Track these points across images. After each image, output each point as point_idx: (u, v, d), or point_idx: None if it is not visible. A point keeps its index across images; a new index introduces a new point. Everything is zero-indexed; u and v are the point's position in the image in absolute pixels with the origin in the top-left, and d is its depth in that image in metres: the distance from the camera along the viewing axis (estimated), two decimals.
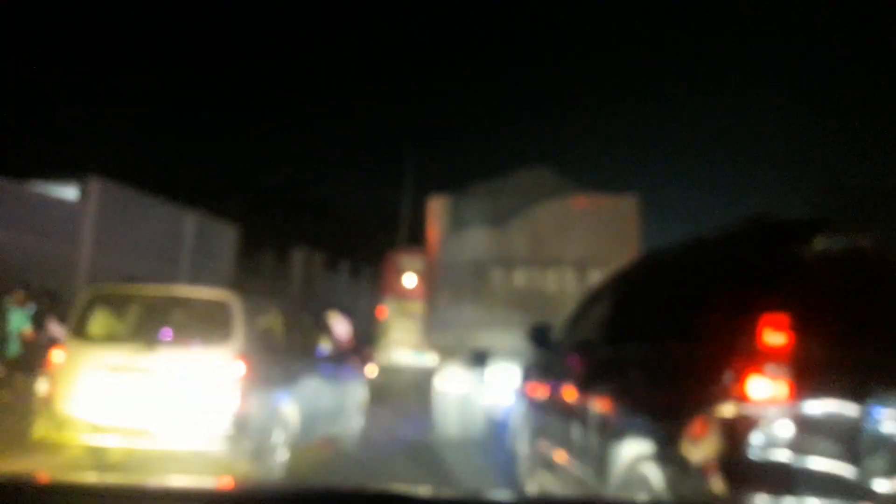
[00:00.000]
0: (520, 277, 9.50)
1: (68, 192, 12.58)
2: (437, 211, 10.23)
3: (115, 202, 12.98)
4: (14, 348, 7.52)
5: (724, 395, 2.69)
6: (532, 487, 5.29)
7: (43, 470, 5.12)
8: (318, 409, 6.64)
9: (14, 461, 5.66)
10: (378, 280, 26.97)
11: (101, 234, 12.55)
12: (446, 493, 2.08)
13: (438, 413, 9.43)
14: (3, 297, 7.79)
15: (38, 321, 7.80)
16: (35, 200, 11.54)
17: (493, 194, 9.91)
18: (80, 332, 5.53)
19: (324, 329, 8.03)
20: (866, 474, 2.52)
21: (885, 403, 2.53)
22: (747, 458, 2.61)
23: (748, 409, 2.62)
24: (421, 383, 11.89)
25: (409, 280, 15.75)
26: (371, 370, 13.03)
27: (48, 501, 1.70)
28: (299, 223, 26.30)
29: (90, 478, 1.99)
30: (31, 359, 7.70)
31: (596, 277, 7.87)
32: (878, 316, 2.78)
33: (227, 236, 17.68)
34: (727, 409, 2.66)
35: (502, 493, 2.88)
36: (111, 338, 5.54)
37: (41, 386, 5.53)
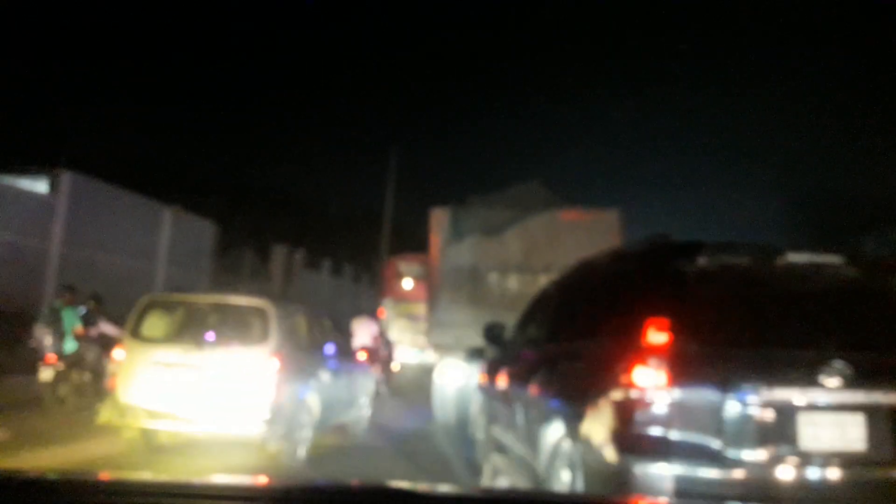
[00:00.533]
0: (513, 282, 10.45)
1: (39, 185, 12.49)
2: (438, 221, 11.17)
3: (87, 196, 12.87)
4: (69, 346, 8.44)
5: (618, 383, 3.38)
6: (487, 469, 5.92)
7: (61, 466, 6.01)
8: (335, 399, 7.60)
9: (81, 444, 6.64)
10: (360, 278, 27.72)
11: (73, 227, 12.47)
12: (446, 488, 2.17)
13: (436, 403, 10.34)
14: (55, 300, 8.69)
15: (87, 320, 8.73)
16: (5, 193, 11.39)
17: (489, 206, 10.86)
18: (136, 333, 6.50)
19: (346, 331, 9.00)
20: (726, 445, 3.18)
21: (742, 390, 3.21)
22: (635, 432, 3.29)
23: (635, 394, 3.30)
24: (421, 377, 12.91)
25: (407, 283, 16.86)
26: (395, 367, 14.10)
27: (55, 497, 1.70)
28: (280, 221, 26.11)
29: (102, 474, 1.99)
30: (83, 355, 8.65)
31: None
32: (743, 320, 3.42)
33: (205, 232, 17.46)
34: (619, 394, 3.37)
35: (502, 490, 3.08)
36: (164, 338, 6.51)
37: (108, 380, 6.48)
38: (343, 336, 8.84)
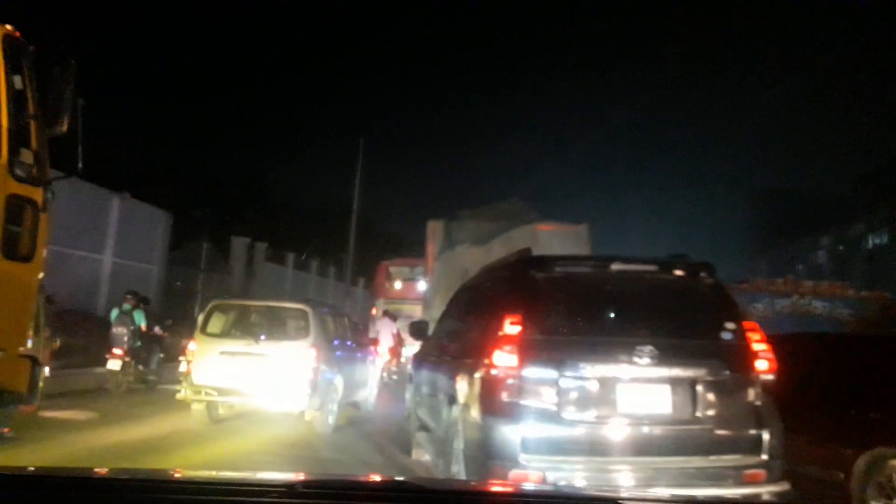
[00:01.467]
0: None
1: None
2: (433, 232, 13.08)
3: None
4: (136, 342, 10.28)
5: (484, 364, 4.30)
6: (414, 444, 6.73)
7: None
8: (352, 382, 9.49)
9: (152, 421, 8.45)
10: (327, 272, 27.83)
11: None
12: (450, 484, 2.32)
13: (407, 389, 12.19)
14: (124, 303, 10.49)
15: (148, 321, 10.61)
16: None
17: (477, 219, 12.78)
18: (205, 330, 8.35)
19: (366, 328, 10.80)
20: (562, 409, 4.11)
21: (575, 367, 4.13)
22: (494, 400, 4.19)
23: (494, 372, 4.23)
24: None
25: (397, 285, 18.90)
26: (403, 358, 16.05)
27: (43, 492, 1.70)
28: (243, 213, 25.54)
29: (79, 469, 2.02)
30: (145, 350, 10.51)
31: None
32: (578, 314, 4.44)
33: (158, 222, 16.90)
34: (484, 372, 4.32)
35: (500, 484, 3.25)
36: (227, 333, 8.37)
37: (181, 367, 8.33)
38: (356, 330, 10.72)
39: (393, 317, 15.54)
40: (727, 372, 4.27)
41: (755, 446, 4.20)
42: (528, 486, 2.72)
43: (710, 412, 4.21)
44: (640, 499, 2.07)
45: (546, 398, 4.14)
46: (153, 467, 5.72)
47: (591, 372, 4.18)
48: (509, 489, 2.58)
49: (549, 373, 4.16)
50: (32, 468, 1.97)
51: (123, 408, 9.18)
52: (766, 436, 4.21)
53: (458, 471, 4.62)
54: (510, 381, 4.18)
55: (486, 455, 4.21)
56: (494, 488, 2.41)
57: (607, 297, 4.52)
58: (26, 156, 4.00)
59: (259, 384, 7.95)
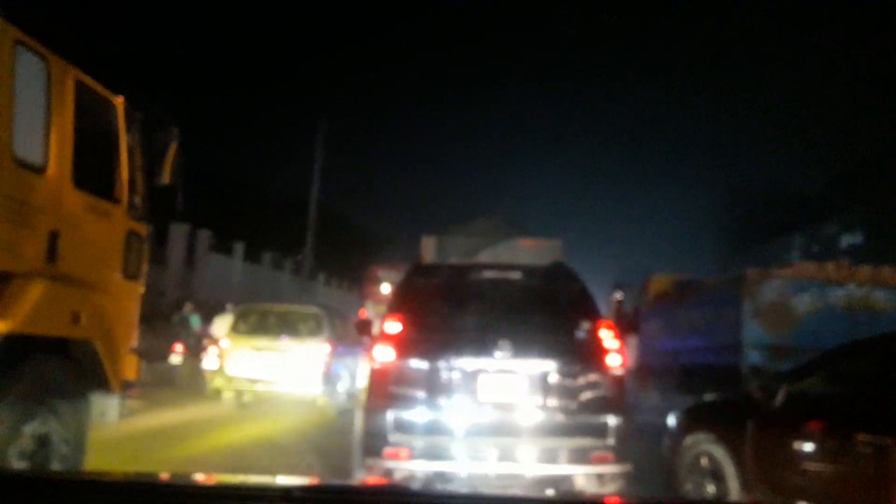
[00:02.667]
0: None
1: None
2: (427, 246, 14.83)
3: None
4: (193, 342, 12.06)
5: (371, 358, 4.88)
6: None
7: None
8: (353, 374, 11.18)
9: (196, 407, 10.12)
10: (283, 265, 25.03)
11: None
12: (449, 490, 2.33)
13: None
14: (184, 308, 12.36)
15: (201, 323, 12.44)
16: None
17: (466, 235, 14.55)
18: (235, 329, 10.06)
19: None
20: (431, 396, 4.57)
21: (441, 360, 4.63)
22: (375, 388, 4.72)
23: (374, 365, 4.78)
24: None
25: (385, 288, 20.54)
26: None
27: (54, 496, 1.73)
28: (186, 199, 23.74)
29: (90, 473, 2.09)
30: (200, 349, 12.24)
31: None
32: (447, 315, 4.98)
33: None
34: (371, 364, 4.87)
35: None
36: (255, 332, 10.09)
37: (211, 364, 10.05)
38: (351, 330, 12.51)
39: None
40: (578, 366, 4.69)
41: (602, 431, 4.59)
42: (533, 496, 2.78)
43: (561, 401, 4.61)
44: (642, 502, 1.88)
45: (416, 387, 4.64)
46: (194, 449, 6.81)
47: (457, 365, 4.66)
48: (513, 498, 2.52)
49: (421, 365, 4.68)
50: (28, 472, 2.10)
51: (174, 396, 10.82)
52: (612, 422, 4.60)
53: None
54: (387, 372, 4.71)
55: (367, 433, 4.69)
56: (495, 498, 2.41)
57: (478, 300, 5.10)
58: (137, 200, 5.24)
59: (281, 374, 9.65)
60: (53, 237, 4.36)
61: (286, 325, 10.03)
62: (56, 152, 4.39)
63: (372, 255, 23.71)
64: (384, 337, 4.78)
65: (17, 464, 4.03)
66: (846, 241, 46.57)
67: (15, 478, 1.99)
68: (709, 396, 7.27)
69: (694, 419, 5.34)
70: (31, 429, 4.17)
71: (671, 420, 5.54)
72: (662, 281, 12.62)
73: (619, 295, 12.65)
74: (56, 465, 4.38)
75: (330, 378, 9.81)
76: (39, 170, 4.26)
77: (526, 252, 13.99)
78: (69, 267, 4.50)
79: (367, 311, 19.80)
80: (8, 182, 3.97)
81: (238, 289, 19.49)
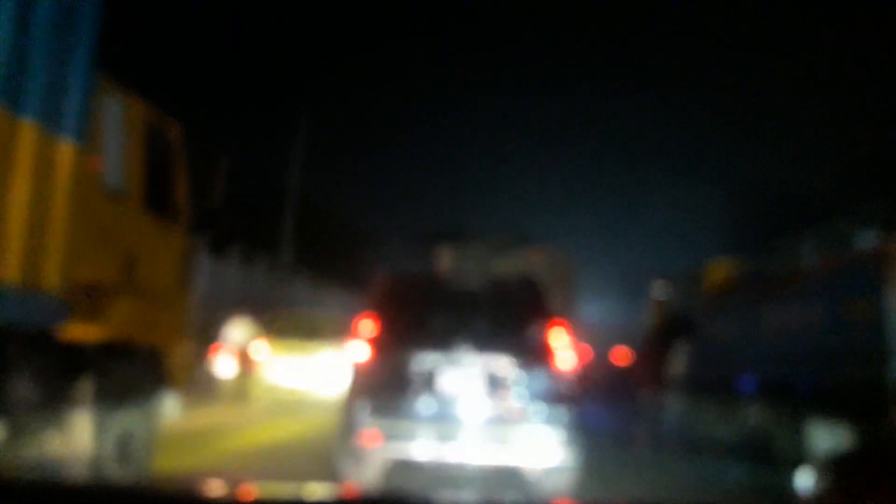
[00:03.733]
0: None
1: None
2: (443, 255, 15.83)
3: None
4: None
5: (352, 353, 5.57)
6: None
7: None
8: None
9: (238, 408, 11.12)
10: (252, 259, 23.14)
11: None
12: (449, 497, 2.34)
13: None
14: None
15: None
16: None
17: (478, 246, 15.48)
18: (268, 337, 11.11)
19: None
20: (401, 387, 5.26)
21: (410, 356, 5.31)
22: (354, 380, 5.46)
23: (353, 359, 5.51)
24: None
25: None
26: None
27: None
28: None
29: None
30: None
31: None
32: (417, 317, 5.69)
33: None
34: (352, 359, 5.55)
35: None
36: (287, 339, 11.12)
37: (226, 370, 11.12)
38: None
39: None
40: (527, 361, 5.41)
41: (548, 418, 5.28)
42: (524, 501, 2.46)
43: (512, 391, 5.35)
44: None
45: (388, 379, 5.40)
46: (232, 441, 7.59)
47: (423, 360, 5.39)
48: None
49: (392, 360, 5.43)
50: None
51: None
52: (556, 411, 5.31)
53: None
54: (362, 366, 5.49)
55: (347, 418, 5.43)
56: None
57: (445, 305, 5.83)
58: (190, 219, 5.98)
59: (310, 379, 10.70)
60: (129, 254, 5.04)
61: (316, 331, 11.07)
62: (134, 180, 5.06)
63: (362, 254, 23.19)
64: (360, 335, 5.54)
65: (106, 459, 4.62)
66: (859, 238, 46.18)
67: (11, 485, 2.00)
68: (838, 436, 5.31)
69: (854, 483, 4.11)
70: (118, 425, 4.77)
71: (804, 478, 4.92)
72: (726, 268, 9.62)
73: (661, 294, 11.19)
74: (134, 460, 5.00)
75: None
76: (122, 196, 4.96)
77: (533, 262, 14.89)
78: (141, 279, 5.14)
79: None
80: (99, 210, 4.62)
81: (238, 293, 18.19)
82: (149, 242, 5.39)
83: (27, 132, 3.62)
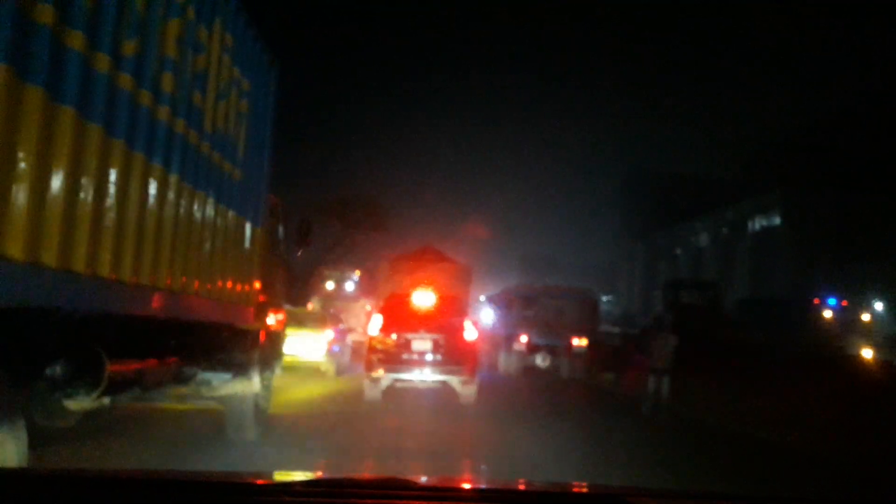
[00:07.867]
0: None
1: None
2: (383, 267, 21.96)
3: None
4: None
5: (371, 330, 11.99)
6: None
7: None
8: (345, 350, 18.23)
9: None
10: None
11: None
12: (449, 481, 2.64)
13: None
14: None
15: None
16: None
17: (408, 260, 21.75)
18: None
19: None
20: (394, 356, 11.50)
21: (399, 334, 11.45)
22: (370, 347, 11.68)
23: (370, 334, 11.94)
24: None
25: (330, 286, 26.85)
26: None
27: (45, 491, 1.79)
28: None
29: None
30: None
31: None
32: (402, 312, 11.92)
33: None
34: (368, 335, 12.37)
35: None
36: (294, 323, 16.93)
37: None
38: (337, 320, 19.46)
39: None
40: (455, 335, 11.30)
41: (466, 366, 11.18)
42: (533, 484, 2.72)
43: (448, 352, 11.09)
44: (649, 494, 2.19)
45: (386, 345, 11.30)
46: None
47: (404, 336, 11.30)
48: (512, 487, 2.53)
49: (389, 335, 11.38)
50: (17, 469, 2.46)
51: None
52: (467, 360, 11.25)
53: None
54: (374, 338, 11.56)
55: (367, 362, 11.40)
56: (495, 486, 2.44)
57: (417, 304, 12.02)
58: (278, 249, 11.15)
59: (305, 350, 16.58)
60: (265, 280, 7.70)
61: (306, 320, 16.92)
62: (271, 237, 8.02)
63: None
64: (373, 321, 11.86)
65: (261, 393, 7.97)
66: (759, 223, 45.90)
67: (11, 475, 2.07)
68: None
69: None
70: (267, 377, 8.93)
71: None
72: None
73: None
74: (269, 395, 8.33)
75: (332, 353, 16.87)
76: (266, 249, 7.71)
77: (445, 273, 21.27)
78: (269, 295, 9.54)
79: (312, 305, 26.63)
80: (264, 260, 8.58)
81: None
82: (272, 271, 9.90)
83: (239, 221, 6.28)
